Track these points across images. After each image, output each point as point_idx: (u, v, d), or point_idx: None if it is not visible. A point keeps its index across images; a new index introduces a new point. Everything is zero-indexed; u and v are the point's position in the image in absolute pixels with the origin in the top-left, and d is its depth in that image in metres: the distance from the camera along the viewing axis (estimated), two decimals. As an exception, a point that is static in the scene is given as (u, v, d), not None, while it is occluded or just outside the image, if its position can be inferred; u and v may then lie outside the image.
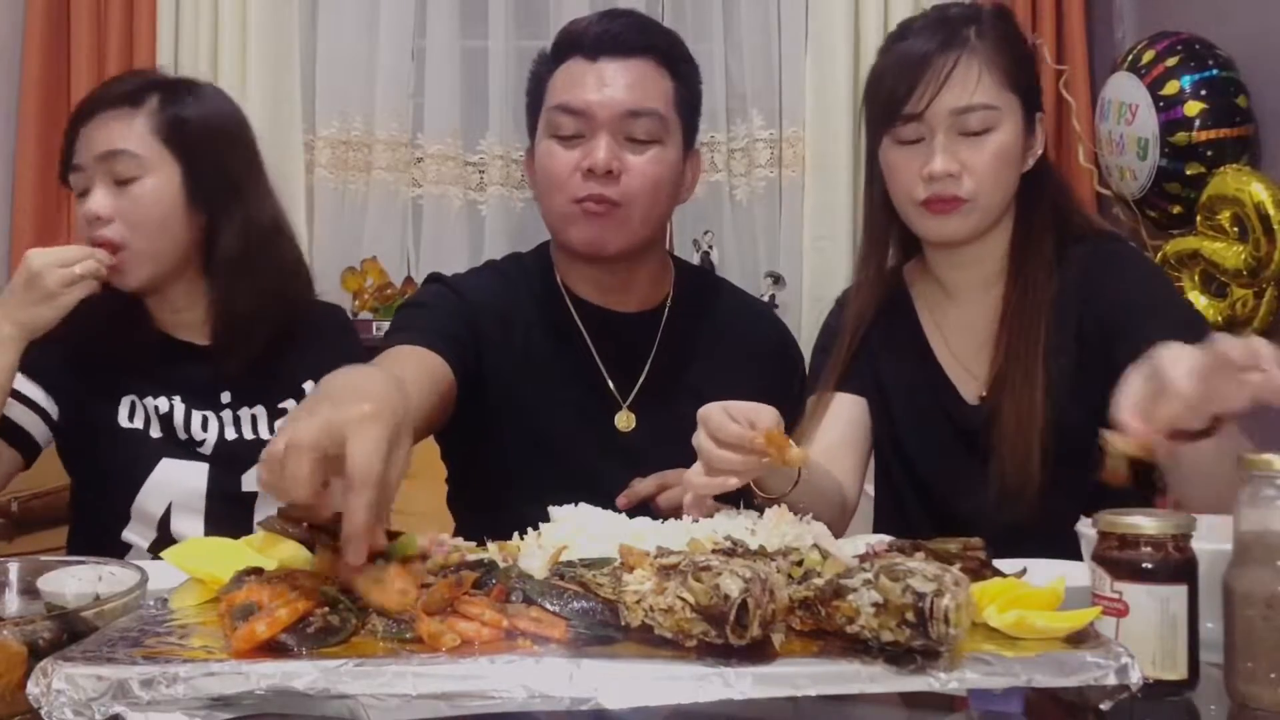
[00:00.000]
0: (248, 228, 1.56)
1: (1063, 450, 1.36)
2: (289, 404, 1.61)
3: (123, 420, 1.56)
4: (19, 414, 1.53)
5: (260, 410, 1.60)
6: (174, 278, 1.56)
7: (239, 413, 1.59)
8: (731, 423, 1.12)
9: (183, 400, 1.58)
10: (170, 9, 3.05)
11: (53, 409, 1.57)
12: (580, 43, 1.50)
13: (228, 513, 1.51)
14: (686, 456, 1.38)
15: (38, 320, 1.43)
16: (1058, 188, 1.53)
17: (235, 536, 1.51)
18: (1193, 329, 1.33)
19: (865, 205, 1.56)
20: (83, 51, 3.00)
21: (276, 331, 1.59)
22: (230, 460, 1.58)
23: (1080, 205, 1.58)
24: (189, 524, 1.55)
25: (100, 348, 1.56)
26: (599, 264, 1.54)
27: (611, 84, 1.47)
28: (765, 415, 1.13)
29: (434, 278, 1.62)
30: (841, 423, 1.52)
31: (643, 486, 1.42)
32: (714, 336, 1.60)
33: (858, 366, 1.53)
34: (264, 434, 1.60)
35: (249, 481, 1.57)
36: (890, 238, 1.54)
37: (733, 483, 1.14)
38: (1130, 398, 0.99)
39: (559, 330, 1.56)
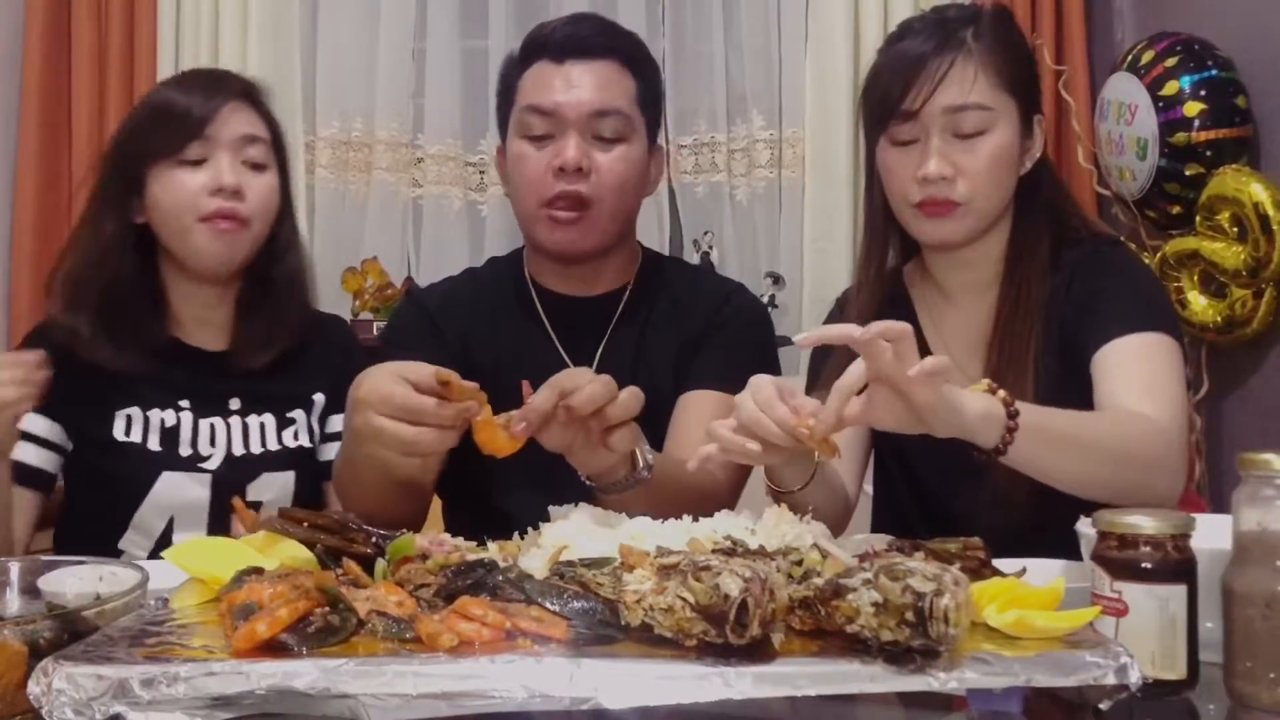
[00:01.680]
0: (297, 242, 1.64)
1: None
2: (297, 414, 1.61)
3: (118, 434, 1.55)
4: (31, 454, 1.51)
5: (269, 418, 1.59)
6: (232, 275, 1.59)
7: (247, 420, 1.58)
8: (780, 402, 1.12)
9: (191, 408, 1.57)
10: (171, 10, 3.04)
11: (61, 439, 1.56)
12: (547, 46, 1.55)
13: (230, 526, 1.48)
14: (647, 431, 1.37)
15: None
16: (1056, 190, 1.52)
17: None
18: (1150, 339, 1.33)
19: (865, 207, 1.57)
20: (83, 53, 2.99)
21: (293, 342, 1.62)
22: (236, 474, 1.56)
23: (1079, 208, 1.57)
24: (191, 537, 1.51)
25: (108, 358, 1.53)
26: (570, 262, 1.58)
27: (579, 85, 1.52)
28: (809, 405, 1.13)
29: (406, 294, 1.68)
30: None
31: (538, 399, 1.17)
32: (672, 313, 1.62)
33: None
34: (271, 445, 1.59)
35: (254, 493, 1.56)
36: (890, 239, 1.54)
37: (753, 446, 1.13)
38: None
39: (521, 322, 1.61)
